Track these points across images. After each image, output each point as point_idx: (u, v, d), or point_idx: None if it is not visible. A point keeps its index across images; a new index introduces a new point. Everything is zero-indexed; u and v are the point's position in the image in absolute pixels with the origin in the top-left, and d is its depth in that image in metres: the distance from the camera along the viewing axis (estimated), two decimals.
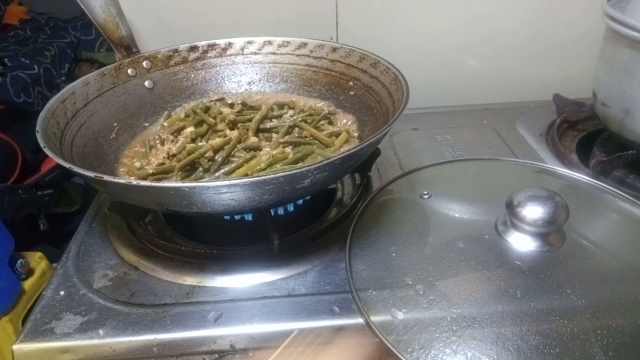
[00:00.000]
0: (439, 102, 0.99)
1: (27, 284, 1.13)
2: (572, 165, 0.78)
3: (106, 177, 0.51)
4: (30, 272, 1.17)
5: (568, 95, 0.94)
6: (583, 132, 0.90)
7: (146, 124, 0.83)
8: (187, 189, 0.50)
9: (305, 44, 0.89)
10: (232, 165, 0.67)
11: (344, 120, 0.80)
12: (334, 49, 0.86)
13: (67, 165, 0.53)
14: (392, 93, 0.72)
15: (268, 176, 0.50)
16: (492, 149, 0.85)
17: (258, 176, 0.50)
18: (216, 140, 0.70)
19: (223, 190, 0.50)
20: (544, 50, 1.02)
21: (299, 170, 0.52)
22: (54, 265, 0.79)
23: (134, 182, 0.50)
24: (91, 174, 0.51)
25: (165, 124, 0.81)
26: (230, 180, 0.49)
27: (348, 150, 0.54)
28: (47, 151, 0.56)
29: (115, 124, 0.78)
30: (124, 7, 0.82)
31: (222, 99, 0.88)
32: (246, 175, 0.66)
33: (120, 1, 0.81)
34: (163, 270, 0.63)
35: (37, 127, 0.62)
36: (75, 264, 0.65)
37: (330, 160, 0.52)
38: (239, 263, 0.62)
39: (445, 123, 0.95)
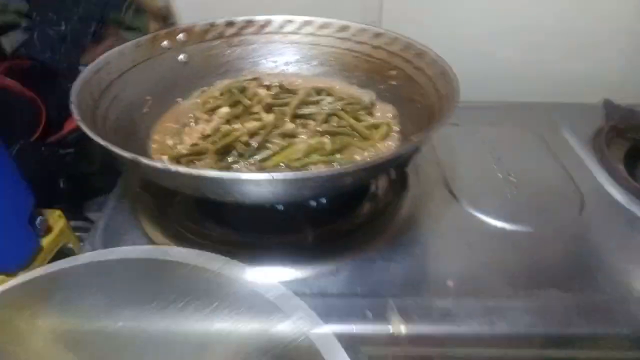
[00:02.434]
0: (480, 95, 0.94)
1: (45, 241, 1.14)
2: (621, 178, 0.74)
3: (144, 160, 0.49)
4: (48, 230, 1.18)
5: (620, 98, 0.89)
6: (632, 141, 0.86)
7: (179, 99, 0.80)
8: (227, 180, 0.47)
9: (347, 27, 0.85)
10: (268, 152, 0.65)
11: (384, 111, 0.77)
12: (377, 35, 0.82)
13: (103, 143, 0.51)
14: (438, 88, 0.69)
15: (311, 173, 0.48)
16: (536, 154, 0.82)
17: (300, 172, 0.48)
18: (252, 124, 0.68)
19: (263, 184, 0.48)
20: (594, 48, 0.97)
21: (344, 169, 0.49)
22: (80, 243, 0.78)
23: (172, 169, 0.48)
24: (128, 155, 0.49)
25: (199, 100, 0.79)
26: (272, 174, 0.47)
27: (395, 152, 0.51)
28: (81, 125, 0.55)
29: (148, 97, 0.76)
30: None
31: (257, 79, 0.85)
32: (282, 163, 0.64)
33: None
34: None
35: (71, 98, 0.60)
36: (102, 241, 0.64)
37: (376, 161, 0.50)
38: (269, 255, 0.60)
39: (486, 120, 0.91)
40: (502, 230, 0.66)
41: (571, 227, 0.67)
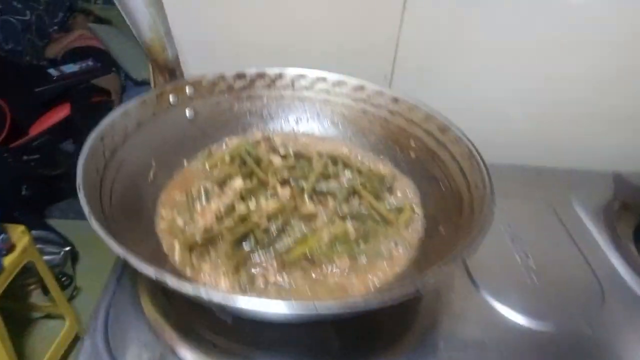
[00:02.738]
0: (489, 156, 0.92)
1: (7, 260, 1.06)
2: (631, 257, 0.74)
3: (170, 282, 0.44)
4: (11, 248, 1.10)
5: (629, 168, 0.89)
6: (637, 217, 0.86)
7: (185, 161, 0.75)
8: (268, 312, 0.43)
9: (362, 87, 0.81)
10: (289, 242, 0.60)
11: (403, 186, 0.73)
12: (395, 100, 0.78)
13: (121, 253, 0.45)
14: (465, 172, 0.66)
15: (342, 303, 0.44)
16: (548, 228, 0.80)
17: (342, 303, 0.44)
18: (270, 206, 0.63)
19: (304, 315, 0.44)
20: (607, 119, 0.96)
21: (377, 300, 0.45)
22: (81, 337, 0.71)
23: (205, 296, 0.43)
24: (152, 274, 0.44)
25: (207, 165, 0.73)
26: (315, 304, 0.42)
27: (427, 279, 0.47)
28: (93, 223, 0.49)
29: (153, 163, 0.70)
30: (172, 25, 0.73)
31: (267, 139, 0.80)
32: (305, 255, 0.60)
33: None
34: (205, 358, 0.56)
35: (78, 181, 0.54)
36: (104, 337, 0.58)
37: (411, 291, 0.46)
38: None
39: (496, 185, 0.89)
40: (524, 328, 0.64)
41: (593, 323, 0.66)
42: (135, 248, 0.55)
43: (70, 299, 1.55)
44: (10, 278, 1.09)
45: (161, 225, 0.63)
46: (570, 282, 0.72)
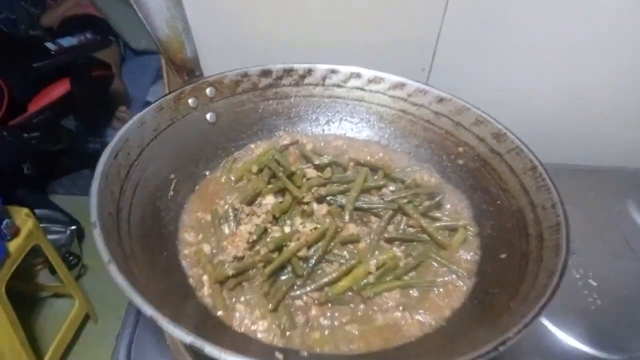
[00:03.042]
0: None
1: (13, 245, 1.02)
2: None
3: (207, 348, 0.37)
4: (16, 232, 1.06)
5: None
6: None
7: (207, 172, 0.67)
8: None
9: (402, 85, 0.72)
10: (332, 274, 0.53)
11: (455, 201, 0.66)
12: (441, 99, 0.70)
13: (155, 317, 0.38)
14: (528, 189, 0.58)
15: None
16: (603, 234, 0.75)
17: None
18: (309, 233, 0.56)
19: None
20: None
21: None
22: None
23: None
24: (188, 339, 0.37)
25: (232, 177, 0.66)
26: None
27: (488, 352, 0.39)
28: (112, 270, 0.41)
29: (173, 176, 0.62)
30: (190, 20, 0.64)
31: (296, 142, 0.72)
32: (351, 289, 0.53)
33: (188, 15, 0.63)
34: None
35: (93, 217, 0.46)
36: None
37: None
38: None
39: None
40: (589, 356, 0.58)
41: None
42: (158, 284, 0.48)
43: (78, 277, 1.51)
44: (17, 263, 1.05)
45: (185, 252, 0.56)
46: (631, 303, 0.65)
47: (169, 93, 0.64)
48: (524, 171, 0.60)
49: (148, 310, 0.39)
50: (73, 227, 1.57)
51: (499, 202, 0.62)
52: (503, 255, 0.56)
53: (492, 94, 0.75)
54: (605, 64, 0.83)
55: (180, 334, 0.37)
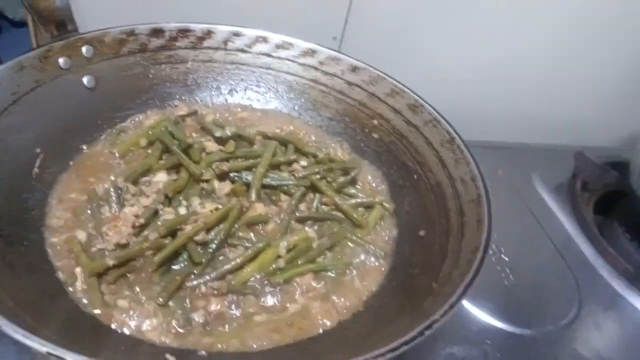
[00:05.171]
0: None
1: None
2: (594, 240, 0.71)
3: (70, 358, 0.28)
4: None
5: (588, 142, 0.84)
6: (596, 193, 0.82)
7: (84, 146, 0.56)
8: None
9: (313, 52, 0.67)
10: (236, 259, 0.46)
11: (369, 177, 0.61)
12: (354, 69, 0.65)
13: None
14: (446, 162, 0.55)
15: None
16: (512, 210, 0.75)
17: None
18: (209, 213, 0.48)
19: None
20: (569, 90, 0.90)
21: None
22: None
23: None
24: (44, 349, 0.28)
25: (116, 152, 0.56)
26: None
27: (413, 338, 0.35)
28: None
29: (39, 150, 0.51)
30: None
31: (194, 113, 0.63)
32: (258, 275, 0.46)
33: None
34: None
35: None
36: None
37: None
38: None
39: None
40: (503, 332, 0.57)
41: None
42: (14, 281, 0.38)
43: None
44: None
45: (53, 240, 0.46)
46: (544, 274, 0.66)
47: (33, 49, 0.52)
48: (442, 144, 0.57)
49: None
50: None
51: (415, 177, 0.58)
52: (422, 233, 0.53)
53: (407, 69, 0.71)
54: (528, 38, 0.83)
55: (34, 344, 0.28)
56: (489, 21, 0.80)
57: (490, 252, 0.66)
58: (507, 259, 0.66)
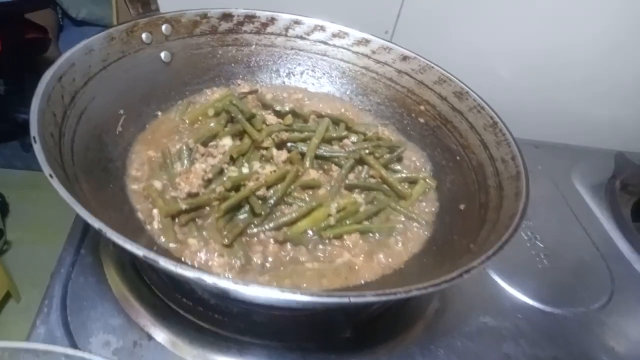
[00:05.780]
0: None
1: None
2: (630, 236, 0.73)
3: (162, 262, 0.34)
4: None
5: (628, 147, 0.86)
6: (635, 195, 0.83)
7: (158, 112, 0.63)
8: (261, 295, 0.34)
9: (366, 41, 0.71)
10: (292, 214, 0.51)
11: (413, 158, 0.65)
12: (405, 58, 0.70)
13: (104, 229, 0.35)
14: (488, 145, 0.59)
15: (380, 294, 0.36)
16: (549, 201, 0.78)
17: (368, 295, 0.36)
18: (269, 174, 0.53)
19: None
20: (613, 91, 0.92)
21: (394, 296, 0.37)
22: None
23: (209, 282, 0.33)
24: (140, 253, 0.34)
25: (187, 119, 0.62)
26: (345, 298, 0.34)
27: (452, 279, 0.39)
28: (57, 186, 0.37)
29: (122, 111, 0.58)
30: None
31: (255, 91, 0.69)
32: (310, 230, 0.51)
33: None
34: (189, 347, 0.47)
35: (33, 132, 0.41)
36: (61, 319, 0.47)
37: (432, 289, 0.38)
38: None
39: None
40: (536, 310, 0.60)
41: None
42: (104, 215, 0.44)
43: (0, 253, 1.39)
44: None
45: (133, 187, 0.52)
46: (577, 261, 0.68)
47: (122, 23, 0.59)
48: (485, 127, 0.60)
49: (96, 222, 0.35)
50: None
51: (458, 157, 0.62)
52: (462, 206, 0.56)
53: (454, 60, 0.75)
54: (573, 34, 0.86)
55: (132, 248, 0.34)
56: (536, 12, 0.83)
57: (526, 237, 0.69)
58: (542, 245, 0.69)
